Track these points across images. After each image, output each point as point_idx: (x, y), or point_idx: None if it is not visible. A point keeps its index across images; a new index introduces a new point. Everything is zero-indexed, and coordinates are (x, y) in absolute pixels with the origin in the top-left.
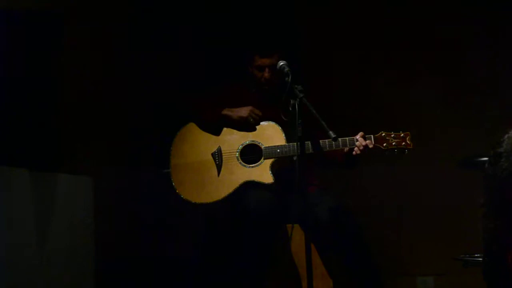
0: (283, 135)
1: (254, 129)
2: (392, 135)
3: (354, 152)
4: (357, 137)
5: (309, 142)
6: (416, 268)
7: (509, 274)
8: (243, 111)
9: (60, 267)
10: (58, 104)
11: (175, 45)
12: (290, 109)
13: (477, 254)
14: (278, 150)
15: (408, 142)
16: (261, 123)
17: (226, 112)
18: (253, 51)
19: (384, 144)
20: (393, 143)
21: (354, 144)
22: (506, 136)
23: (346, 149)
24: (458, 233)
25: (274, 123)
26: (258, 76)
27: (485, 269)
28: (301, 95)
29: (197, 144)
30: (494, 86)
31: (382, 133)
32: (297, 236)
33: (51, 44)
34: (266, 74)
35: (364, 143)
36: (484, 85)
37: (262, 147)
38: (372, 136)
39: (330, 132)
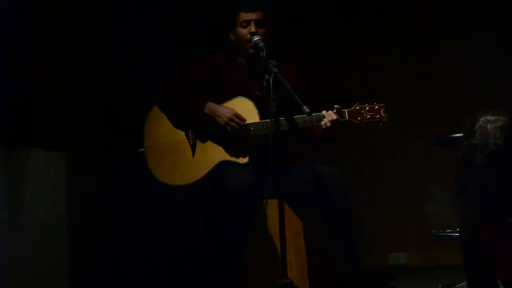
0: (257, 111)
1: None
2: (367, 108)
3: (324, 126)
4: (333, 111)
5: (283, 118)
6: (388, 245)
7: (479, 249)
8: (222, 118)
9: (32, 242)
10: (31, 79)
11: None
12: (265, 84)
13: (448, 229)
14: (252, 128)
15: (383, 114)
16: (233, 98)
17: (208, 111)
18: (238, 10)
19: (359, 118)
20: (368, 116)
21: None
22: (477, 125)
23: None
24: (430, 209)
25: (246, 98)
26: (244, 34)
27: (460, 245)
28: (276, 70)
29: (171, 124)
30: (471, 65)
31: (357, 106)
32: (272, 211)
33: (24, 23)
34: (252, 28)
35: (334, 117)
36: (462, 65)
37: None
38: (346, 110)
39: (304, 107)
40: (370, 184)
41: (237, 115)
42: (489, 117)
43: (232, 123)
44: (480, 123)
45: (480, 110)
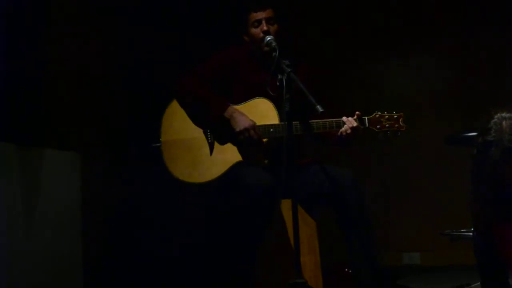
0: (276, 112)
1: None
2: (386, 117)
3: (344, 132)
4: (354, 117)
5: (301, 122)
6: (402, 244)
7: (493, 248)
8: (241, 126)
9: (46, 242)
10: (45, 79)
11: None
12: (278, 84)
13: (463, 229)
14: (272, 129)
15: (401, 124)
16: (253, 99)
17: (229, 115)
18: (247, 11)
19: (378, 126)
20: (387, 125)
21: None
22: (492, 122)
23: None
24: (444, 208)
25: (266, 99)
26: (257, 33)
27: (474, 244)
28: (289, 70)
29: (189, 120)
30: (483, 65)
31: (377, 114)
32: (286, 212)
33: (38, 19)
34: (264, 27)
35: (355, 124)
36: (475, 65)
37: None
38: (366, 118)
39: (318, 106)
40: (383, 184)
41: (254, 130)
42: (504, 114)
43: (247, 134)
44: (495, 120)
45: (494, 107)
